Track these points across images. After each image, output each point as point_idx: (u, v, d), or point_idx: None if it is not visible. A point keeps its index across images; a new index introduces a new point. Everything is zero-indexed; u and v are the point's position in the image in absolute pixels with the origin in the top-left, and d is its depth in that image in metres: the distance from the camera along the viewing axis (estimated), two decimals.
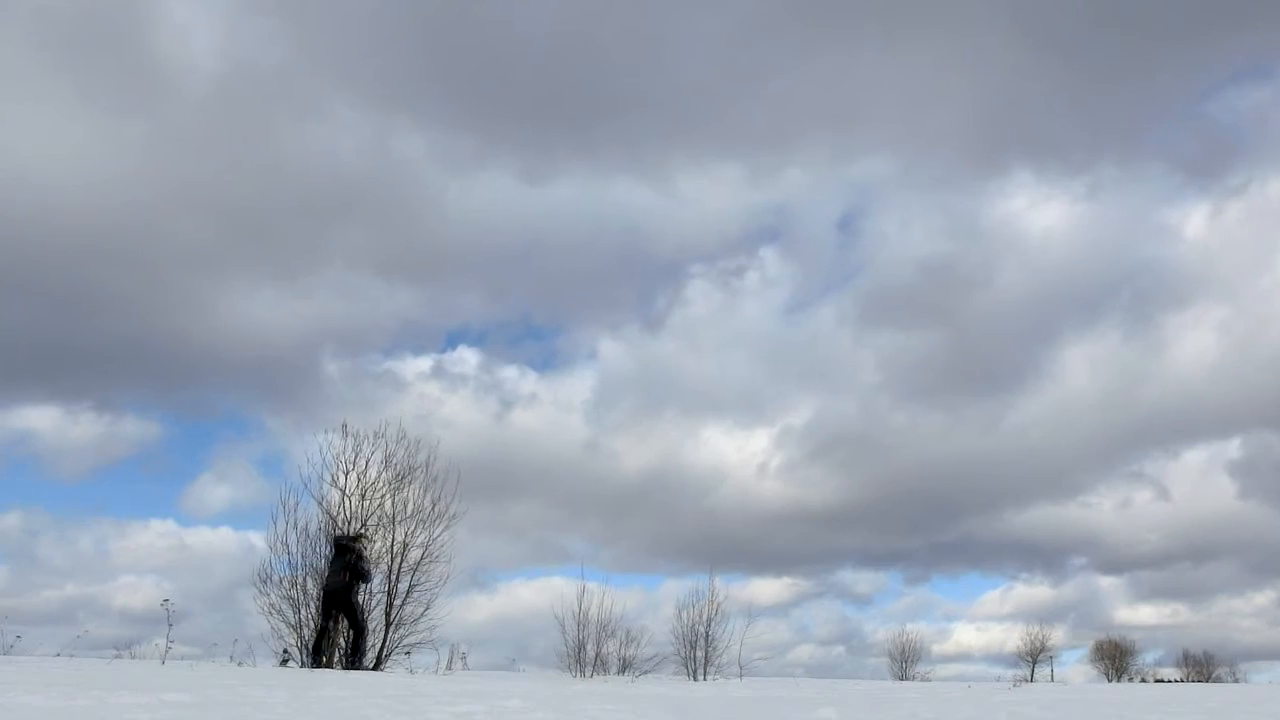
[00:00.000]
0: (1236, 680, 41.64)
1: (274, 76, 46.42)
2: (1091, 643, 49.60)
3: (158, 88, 44.32)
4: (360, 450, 15.98)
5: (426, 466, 16.19)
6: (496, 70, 51.01)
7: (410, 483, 16.07)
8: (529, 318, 60.36)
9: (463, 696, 5.71)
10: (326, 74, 49.66)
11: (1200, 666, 47.06)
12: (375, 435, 16.13)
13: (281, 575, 15.27)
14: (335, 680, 8.24)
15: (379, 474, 15.98)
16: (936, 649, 50.53)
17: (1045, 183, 61.43)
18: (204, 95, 43.74)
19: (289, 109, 48.87)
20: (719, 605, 18.61)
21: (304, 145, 47.88)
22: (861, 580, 55.12)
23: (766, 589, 45.88)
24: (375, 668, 14.85)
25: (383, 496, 15.89)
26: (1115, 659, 48.22)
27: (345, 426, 16.17)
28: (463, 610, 28.43)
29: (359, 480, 15.89)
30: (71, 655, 12.71)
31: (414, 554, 15.72)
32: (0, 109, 41.72)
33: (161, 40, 43.75)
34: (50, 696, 4.63)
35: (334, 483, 15.84)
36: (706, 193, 57.47)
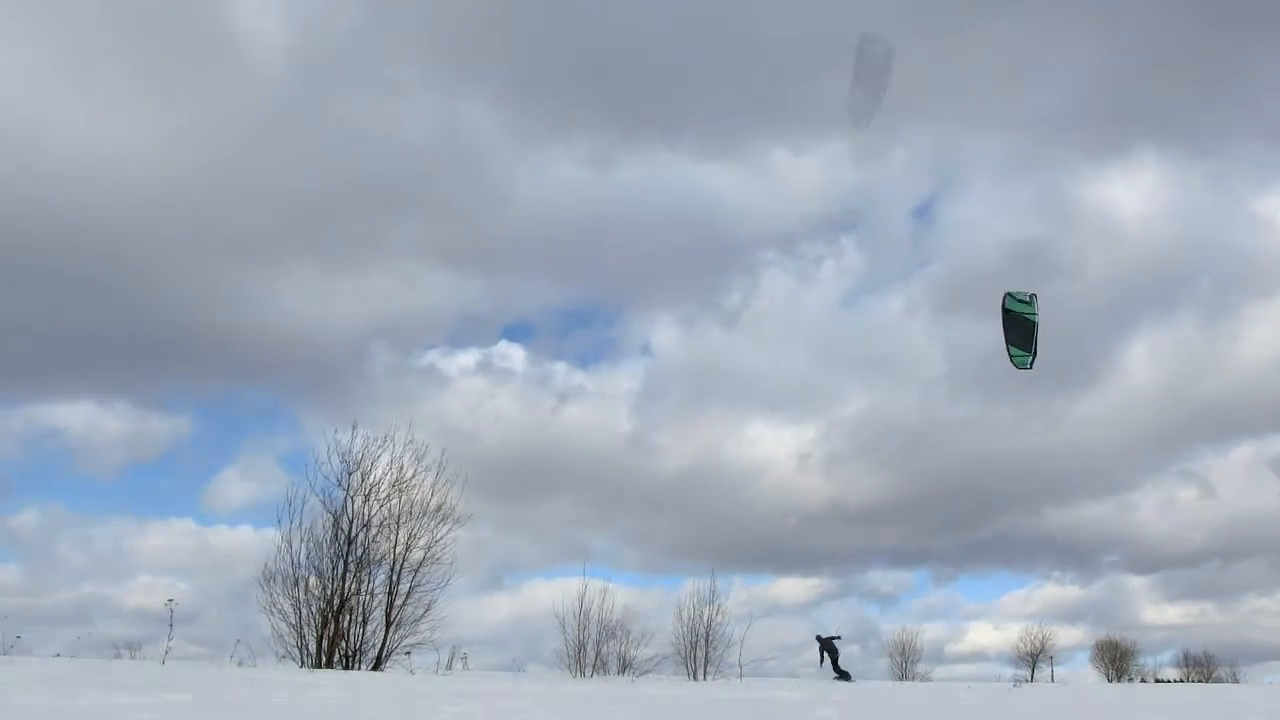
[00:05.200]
0: (1237, 681, 41.57)
1: (342, 52, 45.04)
2: (1094, 643, 49.36)
3: (226, 70, 43.13)
4: (367, 451, 16.01)
5: (440, 468, 16.20)
6: (569, 42, 49.01)
7: (415, 485, 16.08)
8: (594, 307, 58.20)
9: (463, 696, 5.72)
10: (395, 47, 47.96)
11: (1201, 667, 46.94)
12: (385, 437, 16.15)
13: (284, 575, 15.30)
14: (335, 680, 8.24)
15: (384, 474, 16.01)
16: (950, 649, 49.61)
17: (1165, 163, 57.44)
18: (272, 75, 42.68)
19: (356, 88, 47.36)
20: (720, 605, 18.64)
21: (370, 127, 46.57)
22: (888, 580, 53.71)
23: (791, 589, 45.08)
24: (375, 668, 14.85)
25: (386, 497, 15.90)
26: (1115, 660, 48.10)
27: (355, 426, 16.21)
28: (483, 610, 28.38)
29: (363, 480, 15.91)
30: (72, 655, 12.72)
31: (416, 555, 15.74)
32: (58, 96, 40.62)
33: (234, 18, 42.72)
34: (50, 696, 4.64)
35: (339, 483, 15.85)
36: (793, 175, 54.71)
